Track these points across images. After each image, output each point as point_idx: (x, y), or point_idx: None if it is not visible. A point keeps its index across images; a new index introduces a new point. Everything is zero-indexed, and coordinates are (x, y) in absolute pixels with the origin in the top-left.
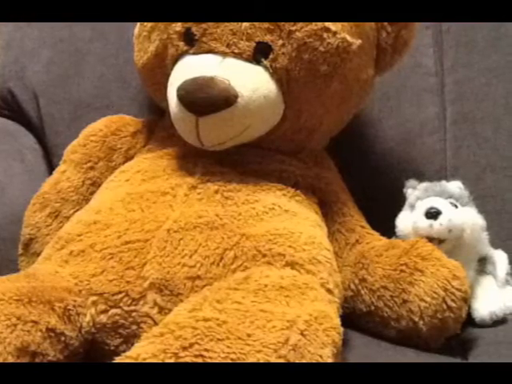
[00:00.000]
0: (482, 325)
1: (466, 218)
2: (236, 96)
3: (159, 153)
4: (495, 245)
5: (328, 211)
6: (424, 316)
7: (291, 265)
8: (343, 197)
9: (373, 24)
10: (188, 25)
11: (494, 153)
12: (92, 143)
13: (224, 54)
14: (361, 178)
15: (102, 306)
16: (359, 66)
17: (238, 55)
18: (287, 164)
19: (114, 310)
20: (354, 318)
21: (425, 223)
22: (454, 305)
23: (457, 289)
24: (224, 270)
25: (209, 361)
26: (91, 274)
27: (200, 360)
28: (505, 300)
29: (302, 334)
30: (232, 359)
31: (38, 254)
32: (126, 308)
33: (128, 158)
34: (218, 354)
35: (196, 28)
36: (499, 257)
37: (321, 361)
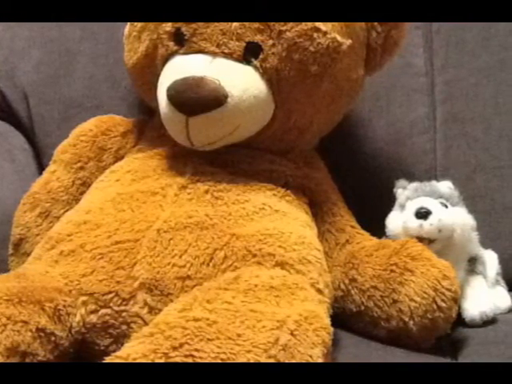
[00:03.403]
0: (472, 325)
1: (456, 218)
2: (226, 96)
3: (149, 153)
4: (485, 245)
5: (318, 211)
6: (414, 316)
7: (281, 265)
8: (333, 197)
9: (363, 24)
10: (178, 25)
11: (484, 153)
12: (82, 143)
13: (214, 54)
14: (351, 177)
15: (92, 306)
16: (349, 66)
17: (228, 55)
18: (277, 164)
19: (104, 310)
20: (344, 318)
21: (415, 223)
22: (444, 305)
23: (447, 289)
24: (214, 270)
25: (199, 361)
26: (81, 274)
27: (190, 360)
28: (495, 300)
29: (291, 334)
30: (222, 359)
31: (29, 254)
32: (116, 308)
33: (118, 158)
34: (208, 354)
35: (186, 28)
36: (489, 257)
37: (311, 361)
